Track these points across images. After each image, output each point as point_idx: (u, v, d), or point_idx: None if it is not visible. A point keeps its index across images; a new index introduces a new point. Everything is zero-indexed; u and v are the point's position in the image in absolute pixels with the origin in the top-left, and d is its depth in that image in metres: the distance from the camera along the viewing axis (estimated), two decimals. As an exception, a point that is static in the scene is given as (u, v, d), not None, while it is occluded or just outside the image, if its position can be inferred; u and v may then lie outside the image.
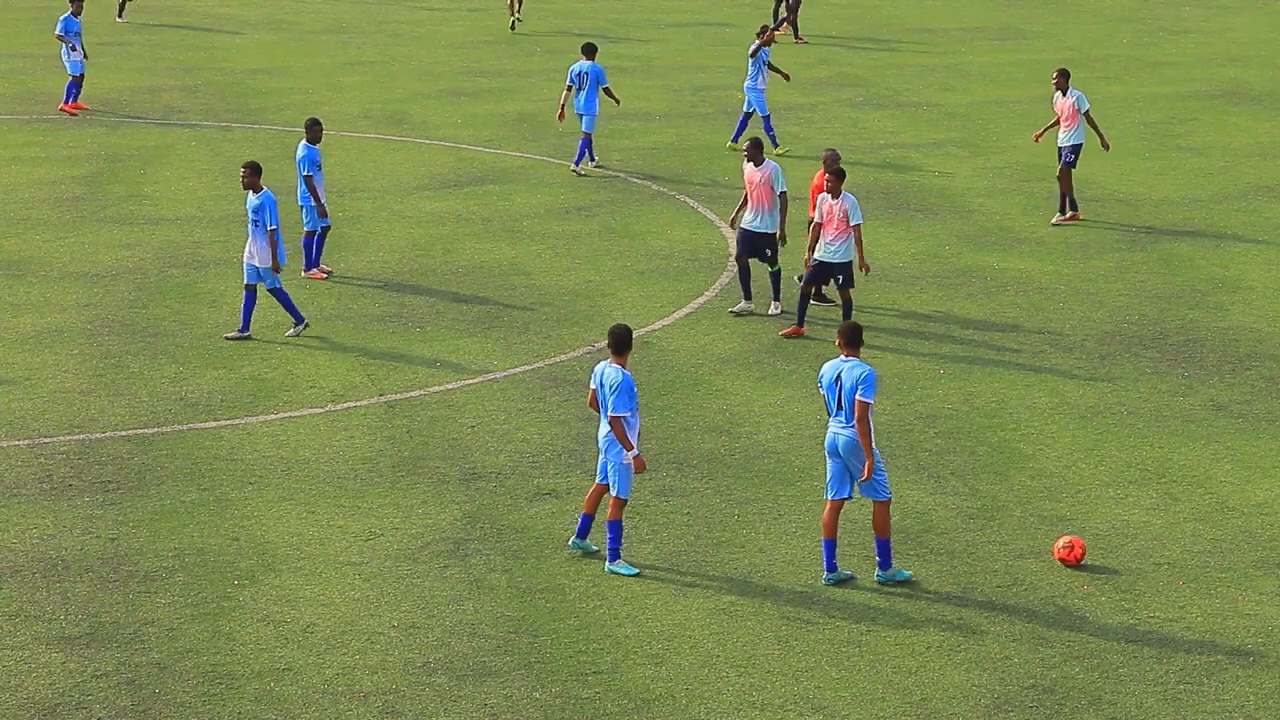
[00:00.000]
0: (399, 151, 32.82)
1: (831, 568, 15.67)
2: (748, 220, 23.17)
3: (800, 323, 22.49)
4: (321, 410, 19.82)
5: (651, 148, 33.02)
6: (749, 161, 23.18)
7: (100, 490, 17.62)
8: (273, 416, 19.61)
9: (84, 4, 37.07)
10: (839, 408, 15.45)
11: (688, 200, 29.14)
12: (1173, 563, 16.00)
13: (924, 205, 28.72)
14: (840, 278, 22.28)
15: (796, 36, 44.73)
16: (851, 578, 15.69)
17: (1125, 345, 21.87)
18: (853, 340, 15.69)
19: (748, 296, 23.31)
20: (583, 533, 16.19)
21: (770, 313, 23.08)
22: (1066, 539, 16.08)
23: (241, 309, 22.13)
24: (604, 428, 15.80)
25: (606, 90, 30.98)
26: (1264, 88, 38.16)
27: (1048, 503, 17.34)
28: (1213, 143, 32.88)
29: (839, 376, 15.48)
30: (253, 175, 22.05)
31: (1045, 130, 27.87)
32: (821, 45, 44.13)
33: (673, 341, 22.16)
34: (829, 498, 15.67)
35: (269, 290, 22.04)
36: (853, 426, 15.33)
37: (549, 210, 28.55)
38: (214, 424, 19.38)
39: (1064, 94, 27.38)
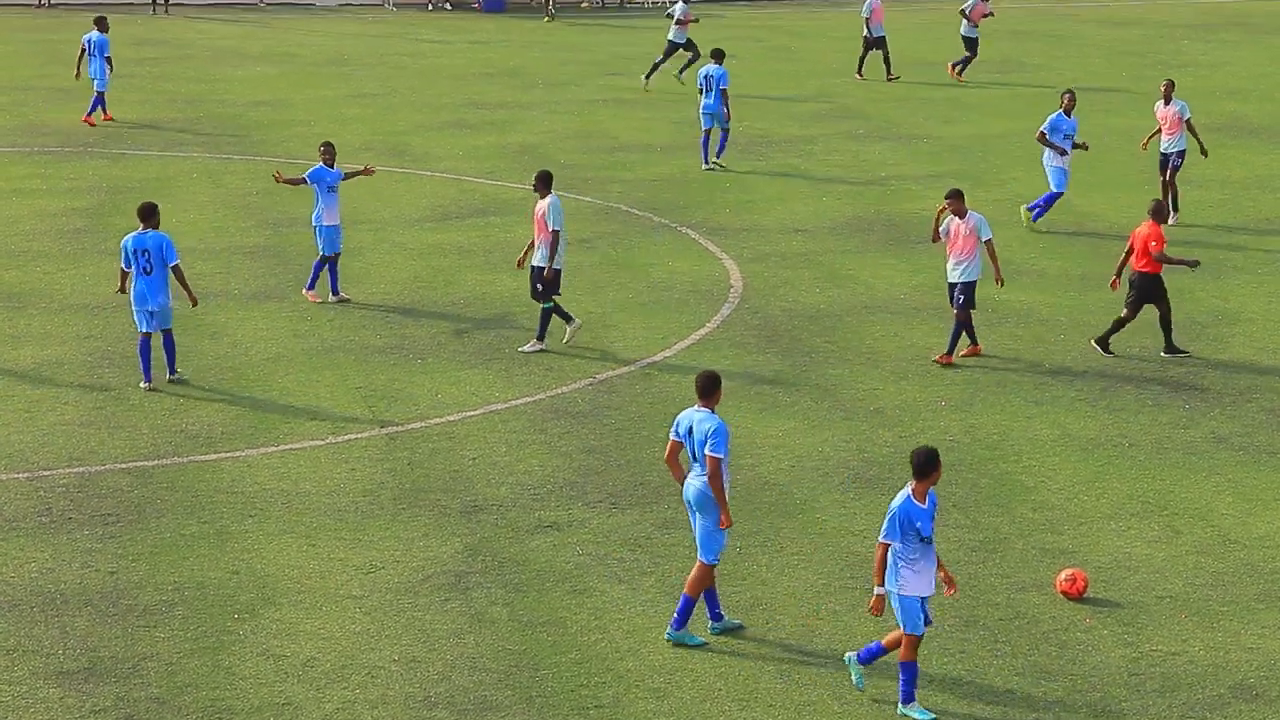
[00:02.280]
0: (401, 183, 32.86)
1: (715, 617, 15.26)
2: (536, 259, 22.89)
3: (974, 341, 22.56)
4: (322, 442, 19.80)
5: (653, 179, 33.06)
6: (541, 198, 22.82)
7: (99, 523, 17.58)
8: (273, 449, 19.59)
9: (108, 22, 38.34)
10: (694, 458, 14.93)
11: (689, 232, 29.17)
12: (1175, 596, 15.96)
13: (924, 237, 28.70)
14: (962, 298, 22.26)
15: (888, 75, 43.97)
16: (739, 627, 15.29)
17: (1126, 377, 21.85)
18: (705, 391, 14.96)
19: (568, 319, 23.06)
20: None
21: (526, 349, 22.76)
22: (1068, 572, 16.04)
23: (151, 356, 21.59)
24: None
25: (724, 91, 33.23)
26: (1261, 121, 38.19)
27: (1049, 535, 17.31)
28: (1211, 176, 32.89)
29: (691, 428, 14.94)
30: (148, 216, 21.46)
31: (1150, 138, 29.79)
32: (821, 77, 44.20)
33: (674, 373, 22.14)
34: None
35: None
36: (704, 478, 14.82)
37: (550, 242, 28.51)
38: (214, 456, 19.36)
39: (1167, 103, 28.98)
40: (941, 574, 14.02)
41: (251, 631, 15.32)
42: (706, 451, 14.78)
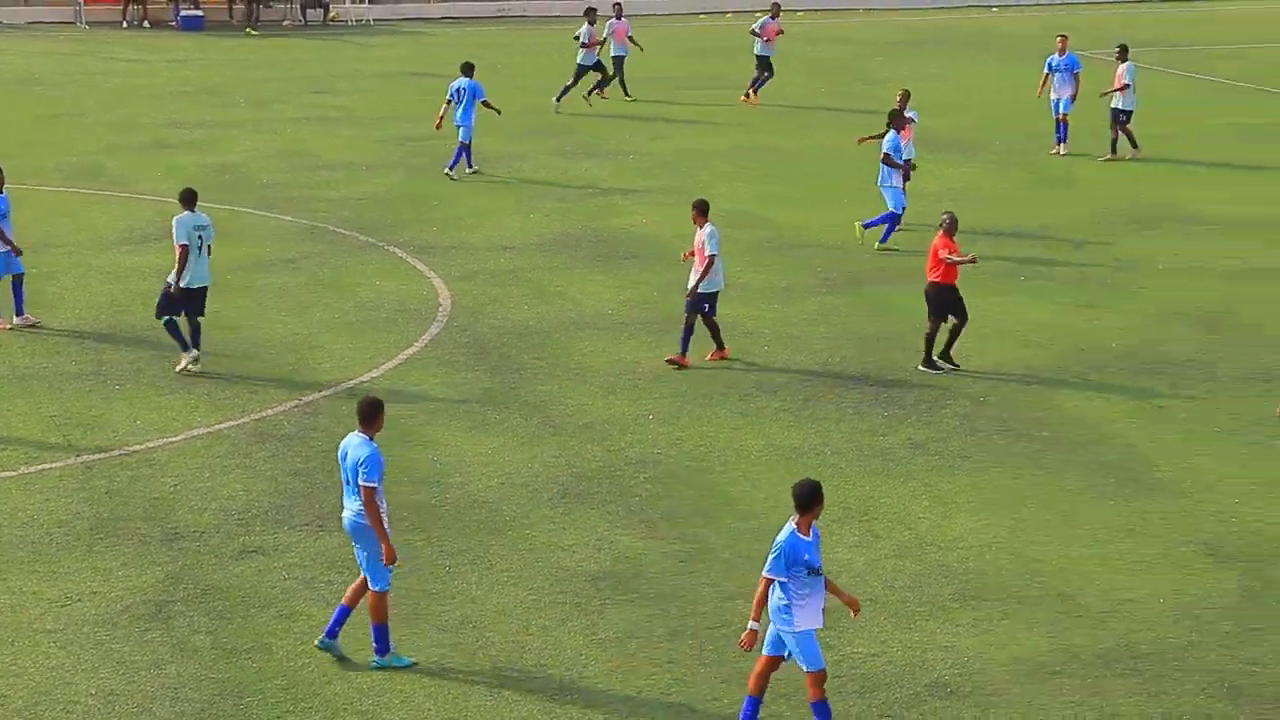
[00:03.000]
0: (97, 205, 32.05)
1: (331, 633, 14.97)
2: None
3: (683, 352, 23.03)
4: (14, 473, 19.18)
5: (359, 198, 32.80)
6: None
7: None
8: (-36, 480, 18.93)
9: None
10: (348, 485, 14.76)
11: (396, 251, 28.99)
12: (875, 598, 16.33)
13: (632, 252, 29.00)
14: (705, 305, 22.91)
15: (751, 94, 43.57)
16: (341, 656, 14.98)
17: (828, 387, 22.32)
18: (366, 417, 14.76)
19: (185, 347, 22.64)
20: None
21: (189, 365, 22.53)
22: (773, 579, 16.29)
23: None
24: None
25: (485, 103, 34.42)
26: (951, 135, 39.34)
27: (755, 544, 17.56)
28: (911, 188, 33.77)
29: (347, 454, 14.73)
30: None
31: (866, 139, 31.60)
32: (530, 94, 44.35)
33: (382, 393, 21.93)
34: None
35: None
36: (358, 507, 14.67)
37: (255, 263, 28.14)
38: (-99, 490, 18.62)
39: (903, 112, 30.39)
40: (843, 598, 13.92)
41: (-59, 670, 14.77)
42: (360, 480, 14.54)
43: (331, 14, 60.19)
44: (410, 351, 23.70)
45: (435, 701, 14.43)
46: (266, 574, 16.73)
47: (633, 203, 32.60)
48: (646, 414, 21.29)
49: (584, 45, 42.64)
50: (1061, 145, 37.12)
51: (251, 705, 14.31)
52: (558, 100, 42.43)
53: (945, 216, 22.97)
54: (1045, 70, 37.56)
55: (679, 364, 23.01)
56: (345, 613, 15.03)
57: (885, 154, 29.09)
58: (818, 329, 24.79)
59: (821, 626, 13.69)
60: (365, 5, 60.73)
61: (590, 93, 42.70)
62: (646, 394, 22.01)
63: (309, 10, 60.16)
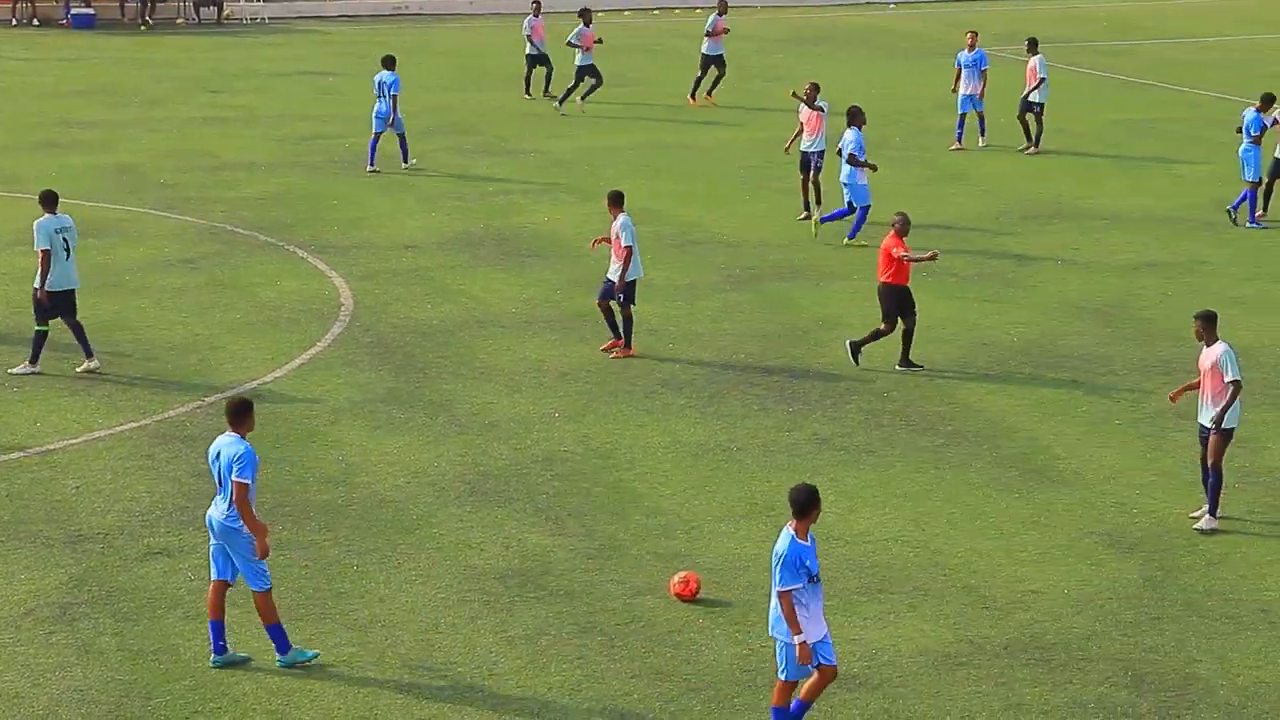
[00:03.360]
0: (-8, 205, 31.62)
1: (219, 650, 14.82)
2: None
3: (616, 336, 23.42)
4: (-87, 476, 18.92)
5: (258, 198, 32.57)
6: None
7: None
8: None
9: None
10: (220, 485, 14.63)
11: (296, 250, 28.82)
12: (783, 593, 16.40)
13: (535, 251, 29.00)
14: (621, 295, 23.17)
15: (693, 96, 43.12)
16: (246, 660, 14.92)
17: (733, 383, 22.42)
18: (236, 416, 14.65)
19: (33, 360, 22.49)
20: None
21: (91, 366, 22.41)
22: (681, 575, 16.38)
23: None
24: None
25: (394, 98, 34.31)
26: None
27: (663, 540, 17.64)
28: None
29: (220, 453, 14.64)
30: None
31: (792, 141, 31.65)
32: (430, 92, 44.21)
33: (286, 393, 21.85)
34: (211, 578, 14.92)
35: None
36: (230, 507, 14.52)
37: (153, 264, 27.88)
38: None
39: (811, 105, 30.83)
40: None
41: None
42: (233, 478, 14.41)
43: (226, 12, 59.65)
44: (313, 352, 23.58)
45: (345, 700, 14.37)
46: (172, 575, 16.59)
47: (534, 201, 32.59)
48: (552, 412, 21.30)
49: (576, 46, 42.21)
50: (981, 138, 37.79)
51: (159, 707, 14.20)
52: (560, 102, 41.91)
53: (897, 217, 23.02)
54: (956, 66, 37.99)
55: (621, 353, 23.34)
56: (218, 626, 14.80)
57: (850, 154, 29.21)
58: (721, 325, 24.89)
59: (821, 636, 13.39)
60: (260, 3, 60.24)
61: (585, 96, 42.24)
62: (552, 392, 22.02)
63: (203, 8, 59.60)
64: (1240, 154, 31.02)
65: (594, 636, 15.56)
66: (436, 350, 23.61)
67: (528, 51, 43.76)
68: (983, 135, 37.96)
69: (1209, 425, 17.89)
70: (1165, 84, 47.40)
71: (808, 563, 13.33)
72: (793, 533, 13.39)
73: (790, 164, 32.35)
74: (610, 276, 23.34)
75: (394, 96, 34.42)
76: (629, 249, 23.10)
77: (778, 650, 13.57)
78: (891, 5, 66.51)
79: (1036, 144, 37.36)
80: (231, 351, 23.49)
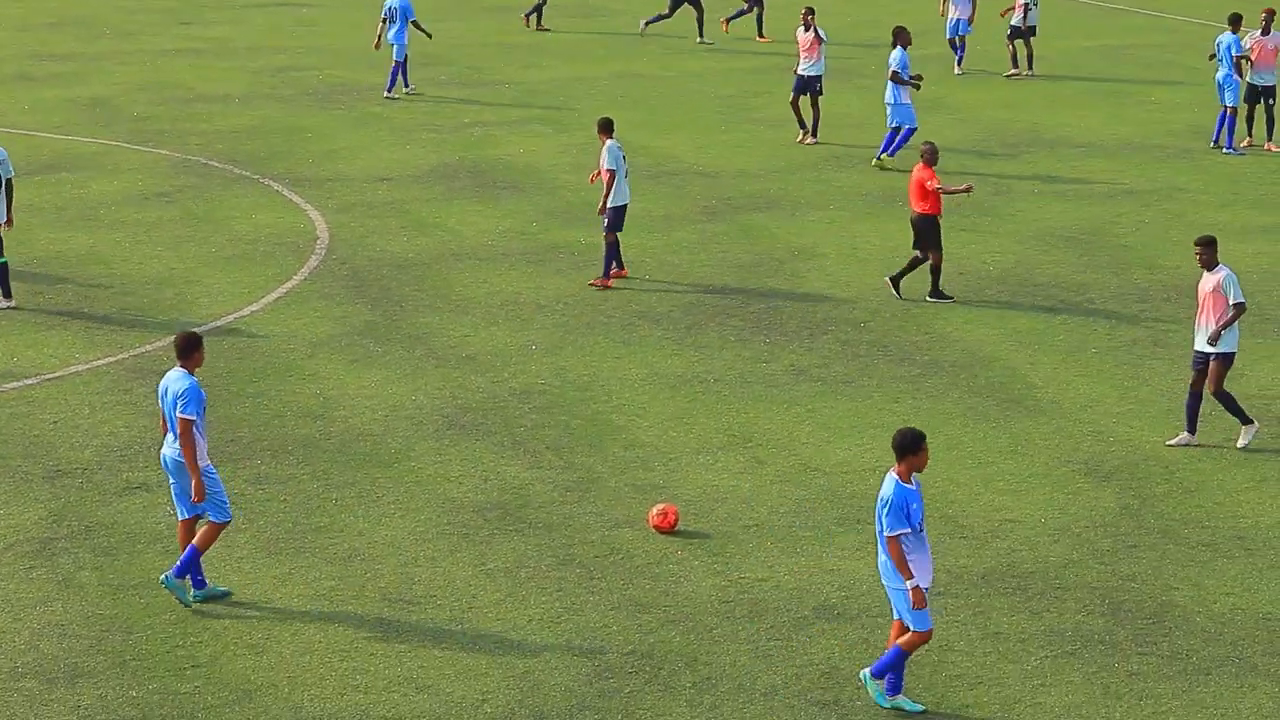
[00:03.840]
0: (-36, 140, 31.42)
1: (198, 584, 14.77)
2: None
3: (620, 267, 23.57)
4: (-110, 413, 18.88)
5: (232, 131, 32.40)
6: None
7: None
8: None
9: None
10: (169, 422, 14.55)
11: (271, 184, 28.70)
12: (761, 524, 16.49)
13: (510, 183, 28.91)
14: (606, 220, 23.28)
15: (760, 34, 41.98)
16: (227, 594, 14.88)
17: (710, 315, 22.43)
18: (184, 351, 14.53)
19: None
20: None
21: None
22: (660, 506, 16.42)
23: None
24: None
25: (415, 23, 35.11)
26: (828, 62, 39.45)
27: (641, 472, 17.68)
28: (785, 115, 33.87)
29: (167, 390, 14.52)
30: None
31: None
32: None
33: (262, 327, 21.81)
34: (179, 518, 14.93)
35: None
36: (177, 445, 14.41)
37: (127, 197, 27.76)
38: None
39: (808, 29, 31.21)
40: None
41: None
42: (178, 413, 14.36)
43: (198, -57, 59.14)
44: (289, 285, 23.52)
45: (325, 634, 14.41)
46: (151, 510, 16.60)
47: (509, 133, 32.47)
48: (529, 344, 21.29)
49: None
50: (957, 68, 37.83)
51: (140, 640, 14.23)
52: (646, 25, 42.25)
53: (925, 146, 22.96)
54: None
55: (602, 285, 23.35)
56: (193, 553, 14.67)
57: (893, 71, 29.35)
58: (698, 257, 24.87)
59: (928, 586, 13.04)
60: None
61: (729, 20, 41.57)
62: (528, 325, 22.01)
63: (175, -61, 59.06)
64: (1220, 79, 30.97)
65: (572, 569, 15.61)
66: (413, 283, 23.56)
67: None
68: (959, 64, 37.99)
69: (1206, 350, 17.94)
70: (1141, 9, 47.30)
71: (913, 506, 12.92)
72: (896, 477, 12.99)
73: (768, 95, 32.27)
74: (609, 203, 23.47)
75: (413, 21, 34.99)
76: (610, 173, 23.11)
77: (891, 597, 13.21)
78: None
79: (1017, 65, 37.69)
80: (207, 285, 23.42)
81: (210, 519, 14.71)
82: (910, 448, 13.01)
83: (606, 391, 19.80)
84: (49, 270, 23.89)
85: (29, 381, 19.91)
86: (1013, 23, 37.49)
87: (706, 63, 39.38)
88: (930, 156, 22.68)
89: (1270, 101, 31.11)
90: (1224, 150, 30.93)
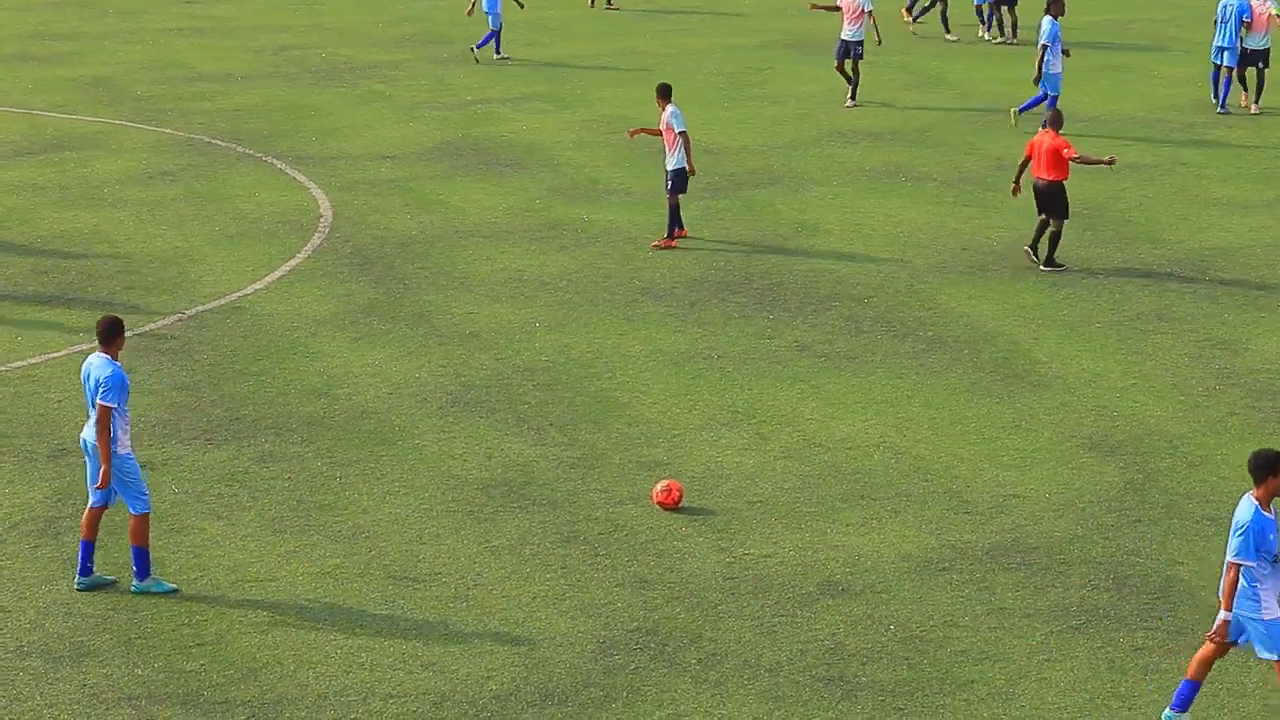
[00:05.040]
0: (-34, 119, 31.41)
1: (85, 571, 14.59)
2: None
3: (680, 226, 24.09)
4: (-106, 392, 18.90)
5: (235, 110, 32.37)
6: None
7: None
8: None
9: None
10: (90, 406, 14.39)
11: (275, 162, 28.68)
12: (765, 500, 16.50)
13: (513, 160, 28.89)
14: (670, 183, 23.76)
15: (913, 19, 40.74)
16: (113, 582, 14.71)
17: (713, 291, 22.42)
18: (106, 337, 14.35)
19: None
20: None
21: None
22: (664, 483, 16.43)
23: None
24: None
25: None
26: (829, 37, 39.41)
27: (645, 448, 17.69)
28: (787, 92, 33.88)
29: (89, 375, 14.31)
30: None
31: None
32: (404, 2, 43.89)
33: (266, 306, 21.81)
34: (90, 504, 14.70)
35: None
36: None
37: (131, 176, 27.75)
38: None
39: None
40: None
41: None
42: (99, 399, 14.19)
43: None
44: (293, 263, 23.51)
45: (330, 612, 14.43)
46: (155, 489, 16.60)
47: (511, 110, 32.43)
48: (533, 322, 21.29)
49: None
50: (948, 34, 39.05)
51: (145, 619, 14.25)
52: (915, 20, 40.29)
53: (1050, 113, 23.32)
54: None
55: (666, 245, 23.95)
56: (88, 547, 14.58)
57: (1044, 44, 29.72)
58: (701, 233, 24.85)
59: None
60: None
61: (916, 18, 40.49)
62: (532, 302, 22.01)
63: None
64: (1225, 42, 31.70)
65: (577, 546, 15.63)
66: (416, 261, 23.56)
67: None
68: (948, 30, 38.64)
69: None
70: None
71: (1272, 537, 11.98)
72: (1256, 503, 12.05)
73: (769, 71, 32.23)
74: (669, 167, 23.83)
75: None
76: (683, 134, 23.62)
77: (1252, 629, 12.24)
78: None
79: (1011, 34, 38.37)
80: (211, 264, 23.42)
81: (130, 511, 14.52)
82: (1263, 469, 12.03)
83: (610, 368, 19.80)
84: (53, 249, 23.90)
85: (33, 360, 19.92)
86: None
87: (709, 39, 39.30)
88: (1057, 122, 22.97)
89: (1262, 65, 31.81)
90: (1218, 111, 31.74)
